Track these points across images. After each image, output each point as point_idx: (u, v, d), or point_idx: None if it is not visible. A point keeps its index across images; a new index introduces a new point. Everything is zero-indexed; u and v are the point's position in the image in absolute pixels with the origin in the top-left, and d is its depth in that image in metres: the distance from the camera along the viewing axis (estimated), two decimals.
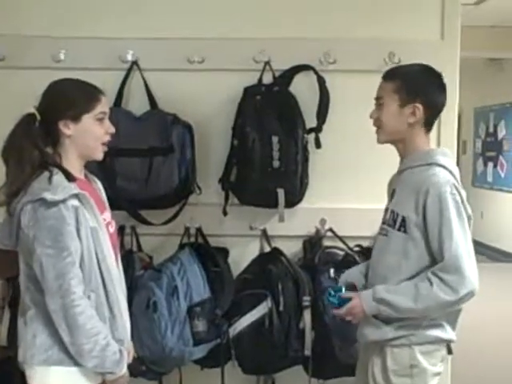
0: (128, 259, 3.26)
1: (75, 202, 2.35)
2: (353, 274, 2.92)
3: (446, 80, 3.49)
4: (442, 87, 2.71)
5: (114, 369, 2.40)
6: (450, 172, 2.61)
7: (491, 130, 11.28)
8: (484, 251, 11.08)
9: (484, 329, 6.68)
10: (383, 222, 2.75)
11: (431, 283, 2.50)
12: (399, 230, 2.63)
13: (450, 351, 2.72)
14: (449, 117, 3.54)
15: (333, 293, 2.73)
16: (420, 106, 2.63)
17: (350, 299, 2.68)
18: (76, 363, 2.37)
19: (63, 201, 2.31)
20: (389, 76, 2.72)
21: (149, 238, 3.50)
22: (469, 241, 2.55)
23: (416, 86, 2.66)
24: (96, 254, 2.40)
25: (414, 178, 2.63)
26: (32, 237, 2.31)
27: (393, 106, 2.66)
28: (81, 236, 2.35)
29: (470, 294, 2.51)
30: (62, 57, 3.44)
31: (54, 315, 2.31)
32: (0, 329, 3.07)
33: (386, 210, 2.76)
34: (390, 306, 2.57)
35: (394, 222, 2.66)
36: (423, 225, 2.57)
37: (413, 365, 2.61)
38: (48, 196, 2.29)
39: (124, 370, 2.45)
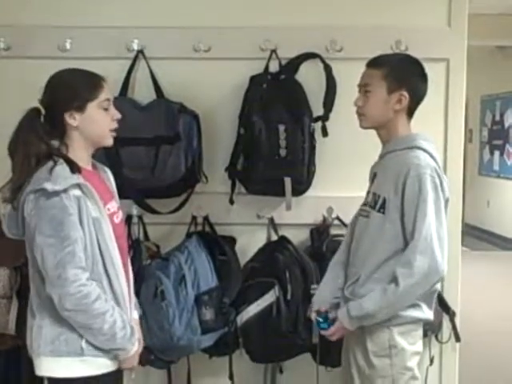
0: (135, 248, 3.28)
1: (77, 192, 2.35)
2: (322, 295, 2.93)
3: (452, 67, 3.52)
4: (424, 76, 2.77)
5: (124, 345, 2.41)
6: (431, 156, 2.67)
7: (498, 118, 11.24)
8: (491, 239, 11.08)
9: (490, 316, 6.68)
10: (364, 204, 2.80)
11: (397, 283, 2.55)
12: (379, 211, 2.68)
13: (425, 333, 2.80)
14: (456, 105, 3.55)
15: (322, 320, 2.78)
16: (406, 94, 2.68)
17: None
18: (82, 353, 2.38)
19: (64, 190, 2.31)
20: (375, 63, 2.75)
21: (156, 227, 3.50)
22: (443, 223, 2.60)
23: (403, 74, 2.72)
24: (98, 245, 2.40)
25: (396, 161, 2.69)
26: (33, 226, 2.32)
27: (381, 93, 2.70)
28: (83, 225, 2.35)
29: (435, 274, 2.57)
30: (67, 46, 3.44)
31: (57, 304, 2.32)
32: (8, 318, 3.08)
33: (368, 192, 2.80)
34: (369, 317, 2.62)
35: (375, 203, 2.71)
36: (401, 205, 2.62)
37: (391, 345, 2.66)
38: (48, 186, 2.29)
39: (135, 348, 2.46)
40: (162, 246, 3.44)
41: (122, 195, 2.80)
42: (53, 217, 2.31)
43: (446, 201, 2.68)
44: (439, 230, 2.58)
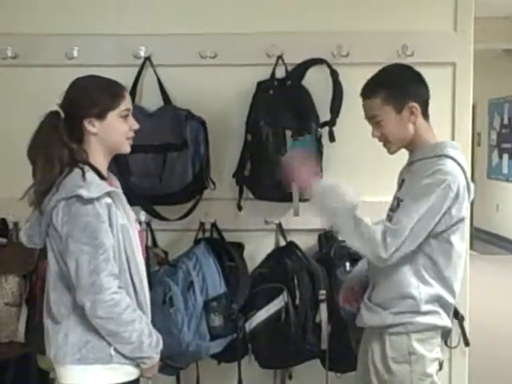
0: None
1: (108, 200, 2.37)
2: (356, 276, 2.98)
3: (459, 71, 3.52)
4: (419, 77, 2.74)
5: (150, 353, 2.42)
6: (459, 164, 2.64)
7: (506, 121, 11.20)
8: (500, 243, 11.04)
9: (500, 320, 6.66)
10: (390, 209, 2.79)
11: (375, 232, 2.57)
12: None
13: (445, 337, 2.82)
14: (463, 108, 3.55)
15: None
16: (415, 104, 2.66)
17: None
18: (110, 361, 2.38)
19: (97, 198, 2.32)
20: (370, 92, 2.70)
21: (164, 233, 3.51)
22: (422, 226, 2.57)
23: (400, 88, 2.69)
24: (125, 252, 2.41)
25: (424, 169, 2.66)
26: (66, 234, 2.32)
27: (390, 117, 2.67)
28: (113, 233, 2.36)
29: (373, 254, 2.59)
30: (75, 54, 3.45)
31: (88, 311, 2.31)
32: (18, 325, 3.09)
33: (394, 198, 2.80)
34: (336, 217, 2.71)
35: (398, 207, 2.69)
36: None
37: (411, 352, 2.65)
38: (84, 193, 2.29)
39: (159, 356, 2.47)
40: (171, 252, 3.45)
41: (131, 202, 2.81)
42: (86, 224, 2.31)
43: (461, 219, 2.64)
44: (414, 227, 2.56)
